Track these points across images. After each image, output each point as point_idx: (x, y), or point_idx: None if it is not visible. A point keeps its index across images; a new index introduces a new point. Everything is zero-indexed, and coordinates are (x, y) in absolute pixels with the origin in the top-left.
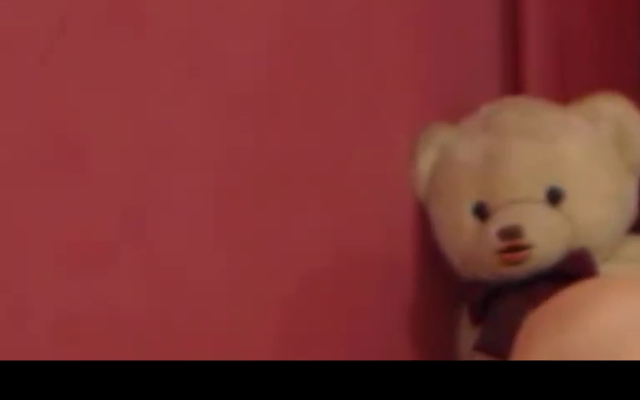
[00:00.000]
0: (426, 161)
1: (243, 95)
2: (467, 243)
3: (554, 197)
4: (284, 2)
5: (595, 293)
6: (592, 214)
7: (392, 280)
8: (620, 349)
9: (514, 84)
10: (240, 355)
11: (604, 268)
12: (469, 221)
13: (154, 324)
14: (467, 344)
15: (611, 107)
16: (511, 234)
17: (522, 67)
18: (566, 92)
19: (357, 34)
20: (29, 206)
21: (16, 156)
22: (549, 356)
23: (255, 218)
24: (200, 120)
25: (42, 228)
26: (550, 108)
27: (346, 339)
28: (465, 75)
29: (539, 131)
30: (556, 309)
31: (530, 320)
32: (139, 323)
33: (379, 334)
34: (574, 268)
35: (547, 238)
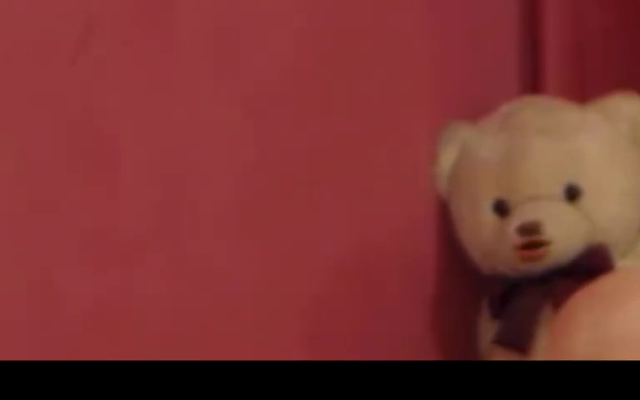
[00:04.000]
0: (447, 159)
1: (269, 94)
2: (487, 239)
3: (572, 194)
4: (309, 4)
5: (636, 281)
6: (609, 211)
7: (414, 274)
8: None
9: (533, 83)
10: (265, 351)
11: (621, 264)
12: (489, 217)
13: (181, 319)
14: (486, 337)
15: (628, 105)
16: (530, 230)
17: (541, 67)
18: (584, 91)
19: (379, 35)
20: (59, 202)
21: (47, 154)
22: (591, 342)
23: (280, 215)
24: (227, 118)
25: (72, 225)
26: (568, 107)
27: (368, 333)
28: (485, 75)
29: (557, 129)
30: (597, 295)
31: (570, 304)
32: (166, 318)
33: (401, 327)
34: (592, 264)
35: (565, 234)
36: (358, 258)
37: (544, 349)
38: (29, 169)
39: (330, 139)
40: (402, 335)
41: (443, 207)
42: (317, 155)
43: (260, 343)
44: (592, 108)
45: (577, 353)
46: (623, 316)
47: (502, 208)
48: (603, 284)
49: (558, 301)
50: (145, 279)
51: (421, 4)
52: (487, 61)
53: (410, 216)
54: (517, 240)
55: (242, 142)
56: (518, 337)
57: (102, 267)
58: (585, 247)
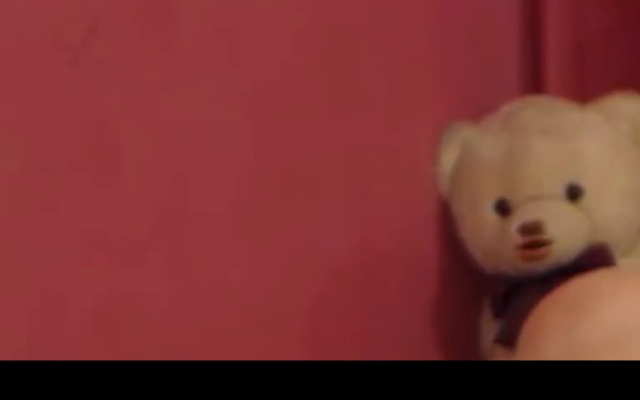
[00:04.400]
0: (449, 158)
1: (270, 94)
2: (488, 239)
3: (574, 193)
4: (310, 4)
5: (605, 285)
6: (610, 210)
7: (415, 274)
8: (634, 343)
9: (534, 84)
10: (265, 351)
11: (623, 263)
12: (491, 217)
13: (181, 320)
14: (488, 337)
15: (629, 105)
16: (531, 230)
17: (542, 67)
18: (584, 91)
19: (381, 35)
20: (60, 202)
21: (48, 154)
22: (561, 351)
23: (281, 215)
24: (228, 119)
25: (73, 225)
26: (569, 107)
27: (369, 333)
28: (486, 75)
29: (559, 129)
30: (566, 301)
31: (538, 310)
32: (166, 318)
33: (402, 327)
34: (593, 263)
35: (566, 234)
36: (359, 258)
37: (517, 356)
38: (30, 169)
39: (331, 139)
40: (403, 335)
41: (445, 207)
42: (318, 155)
43: (260, 343)
44: (592, 108)
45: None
46: (597, 326)
47: (503, 208)
48: (575, 288)
49: None
50: (145, 280)
51: (422, 4)
52: (489, 61)
53: (411, 216)
54: (519, 239)
55: (243, 143)
56: (519, 336)
57: (103, 268)
58: (586, 246)
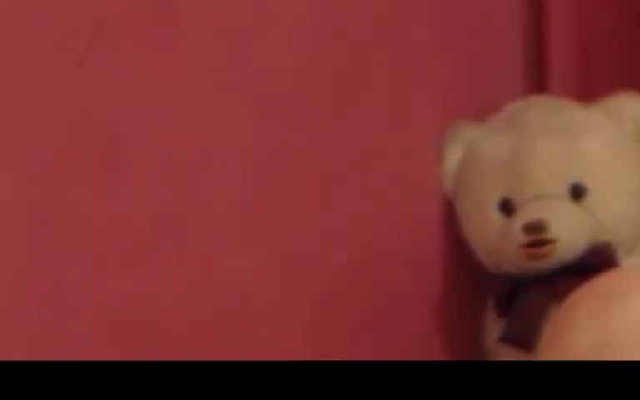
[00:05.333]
0: (453, 158)
1: (273, 94)
2: (492, 238)
3: (577, 192)
4: (311, 3)
5: (634, 280)
6: (613, 209)
7: (420, 273)
8: None
9: (538, 83)
10: (271, 350)
11: (626, 262)
12: (495, 216)
13: (188, 320)
14: (492, 335)
15: (632, 105)
16: (535, 229)
17: (547, 67)
18: (589, 91)
19: (386, 33)
20: (68, 203)
21: (55, 155)
22: (590, 338)
23: (286, 215)
24: (232, 119)
25: (80, 226)
26: (573, 107)
27: (374, 332)
28: (491, 74)
29: (563, 129)
30: (599, 290)
31: (567, 304)
32: (174, 317)
33: (407, 326)
34: (597, 262)
35: (570, 233)
36: (365, 257)
37: (541, 350)
38: (35, 170)
39: (336, 138)
40: (408, 334)
41: (449, 207)
42: (324, 154)
43: (266, 343)
44: (596, 108)
45: (575, 356)
46: (622, 317)
47: (507, 207)
48: (600, 285)
49: (564, 299)
50: (150, 279)
51: (426, 5)
52: (493, 61)
53: (416, 215)
54: (523, 238)
55: (250, 143)
56: (524, 335)
57: (109, 268)
58: (590, 245)
